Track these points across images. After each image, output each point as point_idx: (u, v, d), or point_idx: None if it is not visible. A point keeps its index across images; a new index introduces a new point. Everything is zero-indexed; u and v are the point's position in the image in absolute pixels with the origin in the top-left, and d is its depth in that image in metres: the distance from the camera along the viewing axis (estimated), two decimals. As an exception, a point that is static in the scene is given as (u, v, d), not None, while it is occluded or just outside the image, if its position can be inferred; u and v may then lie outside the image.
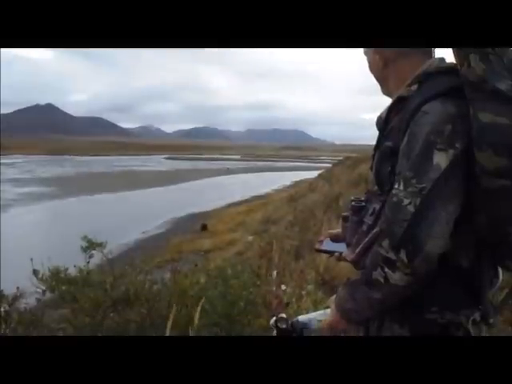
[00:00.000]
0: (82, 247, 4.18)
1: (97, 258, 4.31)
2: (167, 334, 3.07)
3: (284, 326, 2.12)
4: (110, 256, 4.44)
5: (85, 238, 4.21)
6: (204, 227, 33.57)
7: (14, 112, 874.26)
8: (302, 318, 2.15)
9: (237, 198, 51.03)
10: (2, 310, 4.11)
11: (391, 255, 1.66)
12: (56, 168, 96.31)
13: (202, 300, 3.33)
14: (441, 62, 1.87)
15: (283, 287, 3.97)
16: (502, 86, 1.56)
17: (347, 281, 1.92)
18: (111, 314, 4.15)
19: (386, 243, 1.68)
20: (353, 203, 2.03)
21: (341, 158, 56.74)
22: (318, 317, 2.11)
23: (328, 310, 2.02)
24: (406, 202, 1.65)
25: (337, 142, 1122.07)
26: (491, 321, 1.85)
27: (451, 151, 1.63)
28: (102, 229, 4.93)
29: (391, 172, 1.78)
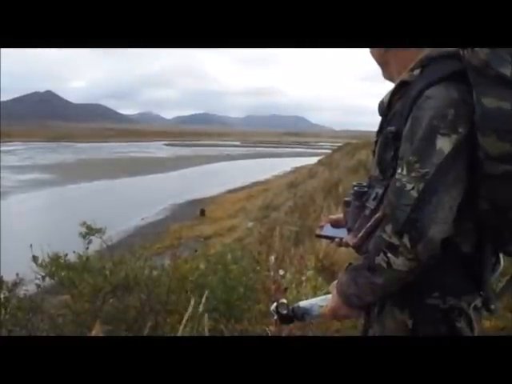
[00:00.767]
0: (80, 233, 4.17)
1: (96, 244, 4.30)
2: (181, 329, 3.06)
3: (285, 312, 2.10)
4: (109, 243, 4.43)
5: (84, 224, 4.20)
6: (202, 212, 33.65)
7: (14, 99, 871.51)
8: (302, 303, 2.13)
9: (237, 184, 51.07)
10: (2, 296, 4.11)
11: (394, 240, 1.66)
12: (56, 155, 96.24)
13: (206, 293, 3.32)
14: None
15: (281, 272, 3.96)
16: (506, 70, 1.55)
17: (349, 266, 1.92)
18: (111, 300, 4.15)
19: (389, 228, 1.68)
20: (355, 188, 2.02)
21: (340, 144, 56.72)
22: (319, 302, 2.09)
23: (329, 296, 2.01)
24: (409, 186, 1.65)
25: (336, 128, 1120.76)
26: (492, 307, 1.86)
27: (454, 136, 1.63)
28: (101, 215, 4.95)
29: (394, 157, 1.78)
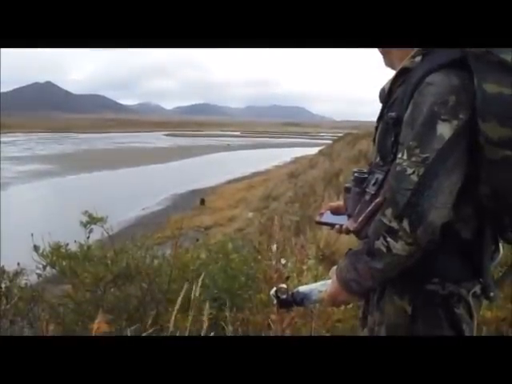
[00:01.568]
0: (82, 222, 4.17)
1: (97, 233, 4.30)
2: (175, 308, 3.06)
3: (284, 297, 2.10)
4: (110, 232, 4.43)
5: (86, 212, 4.20)
6: (202, 202, 33.79)
7: (13, 90, 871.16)
8: (302, 288, 2.13)
9: (237, 174, 51.12)
10: (3, 286, 4.12)
11: (394, 224, 1.67)
12: (56, 146, 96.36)
13: (202, 276, 3.31)
14: None
15: (283, 261, 3.96)
16: (507, 56, 1.56)
17: (348, 251, 1.92)
18: (112, 289, 4.16)
19: (389, 212, 1.68)
20: (355, 174, 2.02)
21: (341, 135, 56.71)
22: (319, 287, 2.09)
23: (329, 281, 2.01)
24: (409, 171, 1.65)
25: (337, 119, 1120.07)
26: (492, 294, 1.86)
27: (455, 122, 1.63)
28: (101, 206, 4.96)
29: (394, 142, 1.78)
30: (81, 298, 4.03)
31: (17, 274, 4.20)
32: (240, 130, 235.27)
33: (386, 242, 1.69)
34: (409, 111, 1.71)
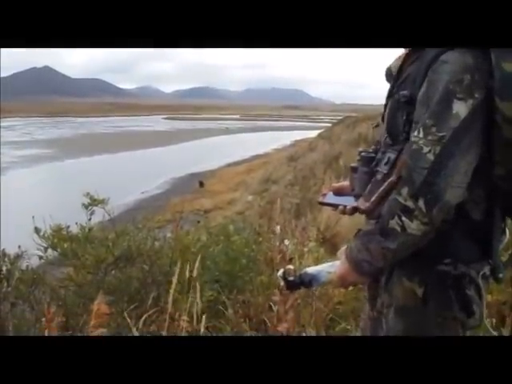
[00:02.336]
0: (83, 204, 4.16)
1: (98, 215, 4.30)
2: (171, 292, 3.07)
3: (291, 278, 2.07)
4: (111, 214, 4.43)
5: (87, 194, 4.19)
6: (201, 184, 33.88)
7: (12, 75, 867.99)
8: (310, 269, 2.09)
9: (236, 157, 51.08)
10: (4, 268, 4.12)
11: (409, 203, 1.66)
12: (55, 130, 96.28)
13: (199, 257, 3.32)
14: None
15: (286, 242, 3.96)
16: None
17: (359, 231, 1.90)
18: (113, 271, 4.16)
19: (404, 191, 1.67)
20: (362, 154, 2.01)
21: (340, 118, 56.63)
22: (327, 268, 2.05)
23: (337, 262, 1.98)
24: (425, 149, 1.64)
25: (336, 102, 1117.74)
26: (500, 275, 1.87)
27: (470, 101, 1.63)
28: (101, 189, 4.94)
29: (407, 121, 1.77)
30: (82, 280, 4.03)
31: (18, 256, 4.20)
32: (239, 113, 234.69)
33: (401, 221, 1.68)
34: (423, 89, 1.70)
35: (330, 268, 2.02)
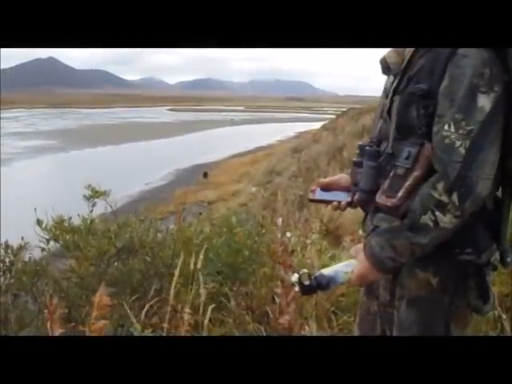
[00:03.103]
0: (85, 196, 4.16)
1: (100, 207, 4.29)
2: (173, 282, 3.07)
3: (308, 283, 1.98)
4: (113, 206, 4.42)
5: (89, 186, 4.18)
6: (205, 175, 33.97)
7: (16, 66, 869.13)
8: (326, 271, 2.03)
9: (240, 149, 51.08)
10: (7, 260, 4.12)
11: (444, 198, 1.68)
12: (59, 121, 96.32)
13: (203, 249, 3.31)
14: None
15: (288, 234, 3.95)
16: None
17: (375, 229, 1.91)
18: (115, 263, 4.15)
19: (440, 185, 1.69)
20: (367, 148, 2.00)
21: (344, 109, 56.55)
22: (343, 268, 2.00)
23: (352, 261, 1.97)
24: (457, 143, 1.67)
25: (340, 93, 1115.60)
26: (508, 260, 1.89)
27: (492, 94, 1.67)
28: (105, 181, 4.94)
29: (424, 114, 1.78)
30: (84, 271, 4.03)
31: (20, 248, 4.20)
32: (243, 105, 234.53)
33: (434, 215, 1.70)
34: (445, 83, 1.72)
35: (346, 268, 1.98)
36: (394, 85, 1.93)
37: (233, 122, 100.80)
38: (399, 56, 1.91)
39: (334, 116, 57.64)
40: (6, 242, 4.19)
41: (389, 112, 1.96)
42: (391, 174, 1.88)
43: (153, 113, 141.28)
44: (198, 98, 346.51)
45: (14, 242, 4.25)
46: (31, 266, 4.16)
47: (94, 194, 4.15)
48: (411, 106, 1.81)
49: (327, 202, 2.19)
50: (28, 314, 3.86)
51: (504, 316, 3.20)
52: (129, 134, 65.25)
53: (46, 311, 2.59)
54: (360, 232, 3.27)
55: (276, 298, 3.51)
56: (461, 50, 1.69)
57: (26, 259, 4.22)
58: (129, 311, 3.22)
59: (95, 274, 4.03)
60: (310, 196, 2.24)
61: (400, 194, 1.82)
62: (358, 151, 2.07)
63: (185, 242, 4.17)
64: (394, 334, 1.95)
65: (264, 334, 3.52)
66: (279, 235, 3.85)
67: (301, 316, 3.52)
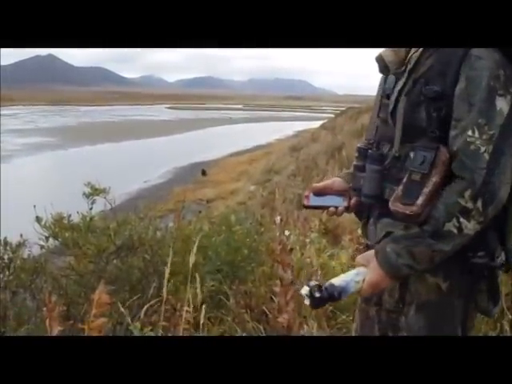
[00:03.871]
0: (84, 193, 4.16)
1: (99, 205, 4.29)
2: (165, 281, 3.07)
3: (319, 295, 1.86)
4: (113, 204, 4.42)
5: (88, 184, 4.18)
6: (203, 172, 33.99)
7: (15, 63, 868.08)
8: (336, 281, 1.94)
9: (239, 147, 51.04)
10: (6, 257, 4.12)
11: (469, 205, 1.65)
12: (58, 118, 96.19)
13: (195, 244, 3.31)
14: None
15: (287, 233, 3.96)
16: None
17: (388, 235, 1.83)
18: (114, 261, 4.15)
19: (467, 193, 1.65)
20: (369, 151, 1.96)
21: (343, 108, 56.52)
22: (354, 277, 1.92)
23: (362, 269, 1.89)
24: (482, 149, 1.64)
25: (339, 92, 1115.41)
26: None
27: (509, 96, 1.66)
28: (104, 178, 4.92)
29: (437, 117, 1.74)
30: (83, 269, 4.03)
31: (19, 245, 4.20)
32: (242, 103, 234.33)
33: (459, 222, 1.66)
34: (461, 85, 1.69)
35: (356, 277, 1.90)
36: (399, 86, 1.88)
37: (232, 121, 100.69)
38: (396, 55, 1.86)
39: (333, 115, 57.64)
40: (5, 239, 4.20)
41: (392, 113, 1.90)
42: (404, 179, 1.80)
43: (152, 111, 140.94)
44: (197, 96, 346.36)
45: (13, 239, 4.25)
46: (30, 263, 4.16)
47: (94, 192, 4.15)
48: (420, 107, 1.78)
49: (323, 208, 2.15)
50: (27, 311, 3.86)
51: (510, 316, 3.19)
52: (128, 132, 65.16)
53: (44, 308, 2.60)
54: (359, 231, 3.27)
55: (274, 297, 3.51)
56: (474, 51, 1.67)
57: (25, 256, 4.22)
58: (124, 310, 3.21)
59: (94, 271, 4.03)
60: (305, 202, 2.18)
61: (420, 201, 1.73)
62: (357, 154, 2.04)
63: (184, 240, 4.17)
64: None
65: (263, 333, 3.53)
66: (278, 234, 3.85)
67: (300, 315, 3.51)
